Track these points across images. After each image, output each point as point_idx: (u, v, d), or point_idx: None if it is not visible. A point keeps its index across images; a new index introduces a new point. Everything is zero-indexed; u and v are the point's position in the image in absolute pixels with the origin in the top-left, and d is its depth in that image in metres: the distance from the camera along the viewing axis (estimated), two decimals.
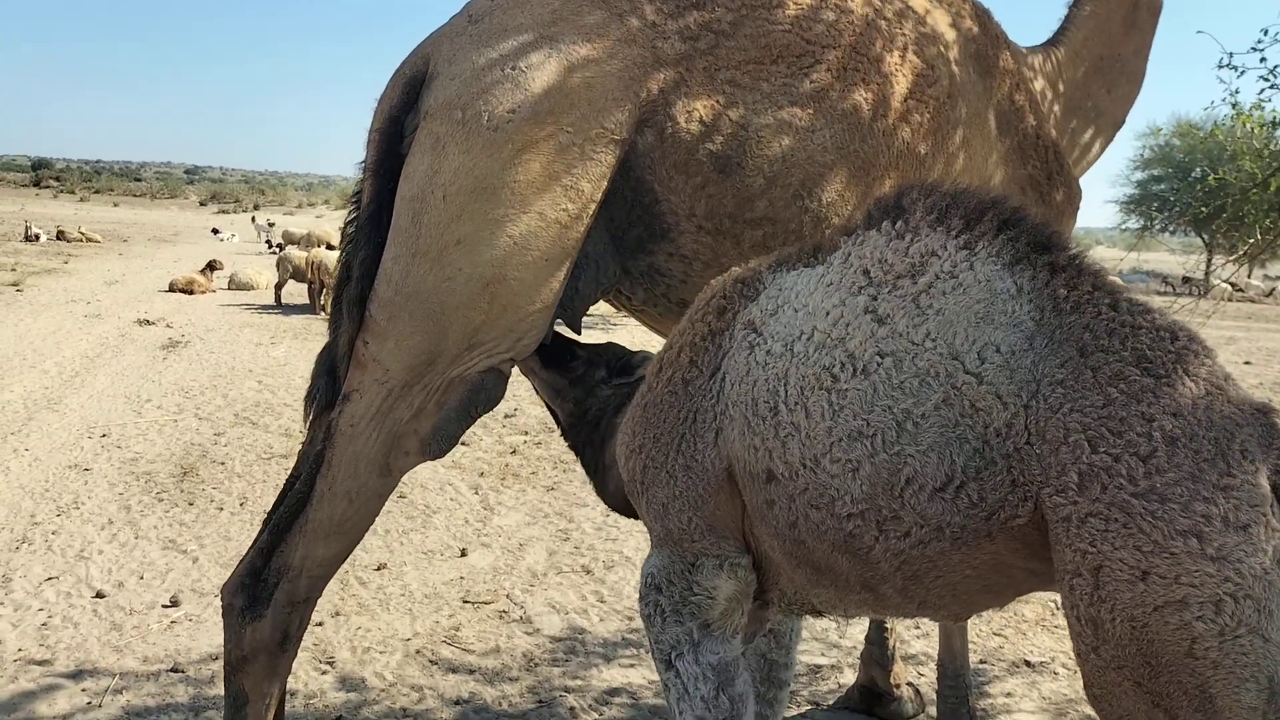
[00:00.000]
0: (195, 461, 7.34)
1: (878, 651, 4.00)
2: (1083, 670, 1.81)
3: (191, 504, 6.37)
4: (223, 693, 2.88)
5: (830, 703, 4.13)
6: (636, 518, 2.51)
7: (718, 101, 2.86)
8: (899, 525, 1.92)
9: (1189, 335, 1.84)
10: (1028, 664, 4.60)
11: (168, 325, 14.47)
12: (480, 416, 2.93)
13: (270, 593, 2.80)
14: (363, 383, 2.79)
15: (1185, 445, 1.69)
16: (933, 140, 3.06)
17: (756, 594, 2.36)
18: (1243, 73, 5.94)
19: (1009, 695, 4.28)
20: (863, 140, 2.96)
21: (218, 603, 3.14)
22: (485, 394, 2.87)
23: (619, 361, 2.96)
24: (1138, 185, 37.49)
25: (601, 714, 3.94)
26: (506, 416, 9.15)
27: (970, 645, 4.77)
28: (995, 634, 4.93)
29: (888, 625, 3.98)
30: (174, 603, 4.79)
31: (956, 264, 1.99)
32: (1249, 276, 39.55)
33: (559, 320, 3.12)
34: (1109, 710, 1.76)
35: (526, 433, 8.67)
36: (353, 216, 2.96)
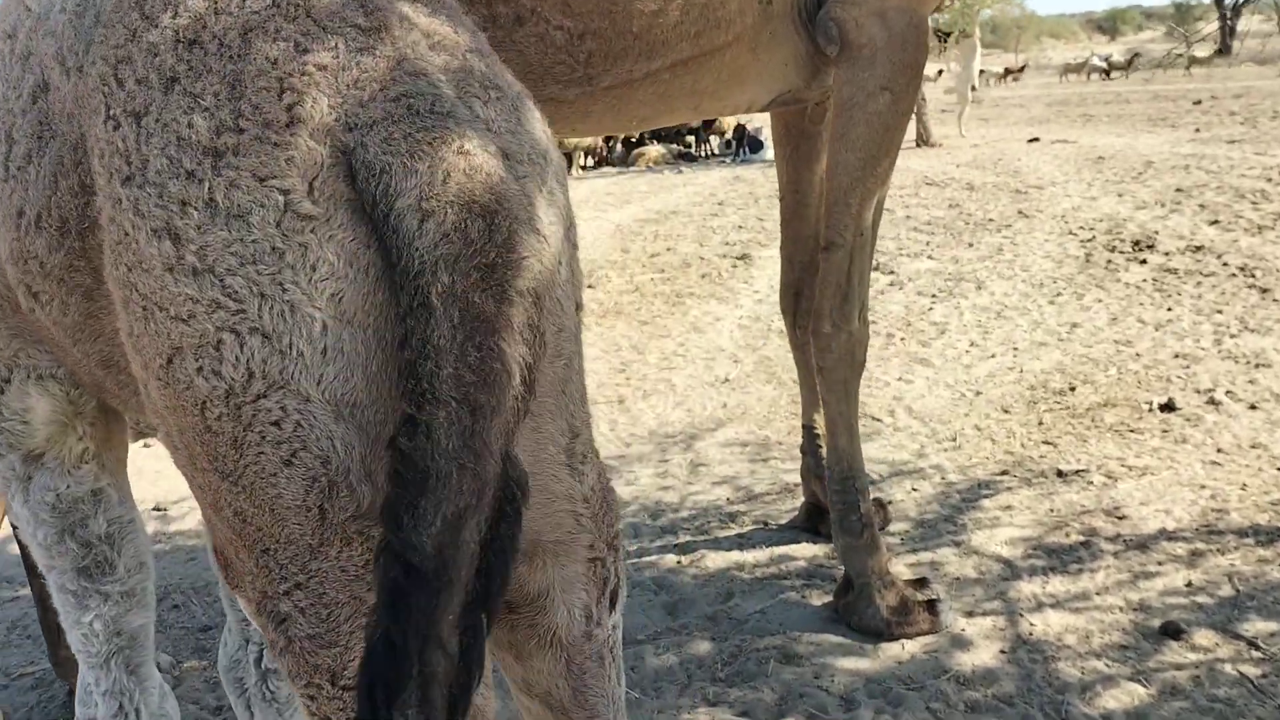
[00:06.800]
0: None
1: (812, 462, 3.51)
2: None
3: None
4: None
5: (783, 522, 3.70)
6: None
7: None
8: None
9: None
10: (1059, 474, 3.87)
11: None
12: None
13: None
14: None
15: None
16: None
17: None
18: None
19: (1007, 508, 3.63)
20: None
21: None
22: None
23: None
24: None
25: None
26: (652, 256, 8.89)
27: (1009, 453, 4.10)
28: (1045, 441, 4.19)
29: (818, 432, 3.45)
30: None
31: None
32: None
33: None
34: None
35: (662, 271, 8.35)
36: None
